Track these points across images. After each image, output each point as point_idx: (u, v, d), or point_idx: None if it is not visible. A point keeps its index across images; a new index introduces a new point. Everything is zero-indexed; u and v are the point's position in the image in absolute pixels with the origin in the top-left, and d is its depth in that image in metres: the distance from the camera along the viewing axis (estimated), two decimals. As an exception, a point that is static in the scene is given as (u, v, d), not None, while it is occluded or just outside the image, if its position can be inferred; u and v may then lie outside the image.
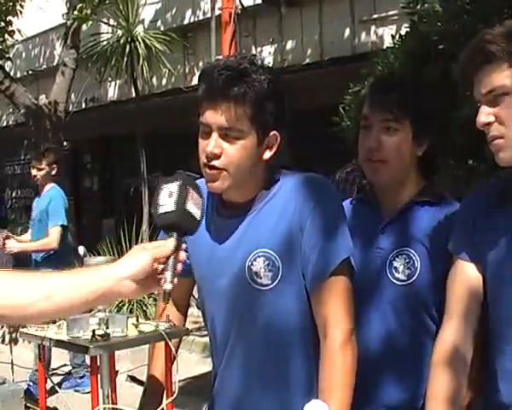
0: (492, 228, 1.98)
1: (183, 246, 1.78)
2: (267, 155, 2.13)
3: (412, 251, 2.26)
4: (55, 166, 7.04)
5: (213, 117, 2.05)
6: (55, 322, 2.78)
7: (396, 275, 2.27)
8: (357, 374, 2.06)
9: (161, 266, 1.73)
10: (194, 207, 1.79)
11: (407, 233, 2.31)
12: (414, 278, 2.24)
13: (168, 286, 1.72)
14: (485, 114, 1.90)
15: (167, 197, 1.78)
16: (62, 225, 6.76)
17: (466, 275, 2.02)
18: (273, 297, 2.11)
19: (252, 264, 2.12)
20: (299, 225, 2.10)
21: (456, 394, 1.94)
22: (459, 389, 1.95)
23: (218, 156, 2.06)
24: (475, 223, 2.03)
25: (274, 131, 2.12)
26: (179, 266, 1.75)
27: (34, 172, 7.03)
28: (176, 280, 1.73)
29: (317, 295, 2.10)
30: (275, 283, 2.11)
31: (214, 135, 2.06)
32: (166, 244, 1.75)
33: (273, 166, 2.19)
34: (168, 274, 1.72)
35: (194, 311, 7.26)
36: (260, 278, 2.11)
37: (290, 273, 2.11)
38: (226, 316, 2.19)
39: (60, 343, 2.81)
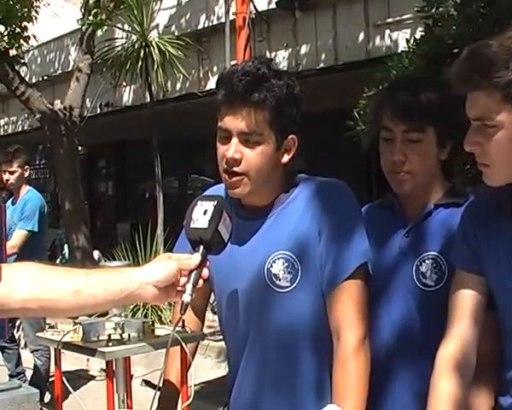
0: (492, 237, 1.95)
1: (208, 263, 1.81)
2: (285, 158, 2.15)
3: (439, 255, 2.23)
4: (27, 167, 6.74)
5: (233, 122, 2.06)
6: (75, 323, 2.79)
7: (423, 281, 2.23)
8: (372, 378, 2.06)
9: (183, 279, 1.77)
10: (224, 230, 1.86)
11: (433, 237, 2.28)
12: (442, 283, 2.20)
13: (187, 299, 1.76)
14: (470, 143, 1.82)
15: (201, 214, 1.86)
16: (30, 231, 6.40)
17: (468, 286, 1.99)
18: (291, 300, 2.12)
19: (271, 266, 2.13)
20: (317, 230, 2.11)
21: (461, 399, 1.91)
22: (464, 395, 1.93)
23: (238, 162, 2.08)
24: (476, 233, 2.00)
25: (292, 135, 2.14)
26: (200, 282, 1.79)
27: (6, 176, 6.60)
28: (194, 295, 1.77)
29: (331, 299, 2.11)
30: (293, 285, 2.12)
31: (234, 140, 2.07)
32: (192, 258, 1.79)
33: (291, 170, 2.20)
34: (189, 287, 1.77)
35: (208, 315, 7.24)
36: (279, 280, 2.12)
37: (308, 276, 2.12)
38: (244, 319, 2.19)
39: (75, 348, 2.82)
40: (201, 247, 1.82)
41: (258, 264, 2.15)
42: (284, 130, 2.11)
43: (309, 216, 2.13)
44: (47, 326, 3.06)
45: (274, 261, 2.13)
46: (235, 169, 2.09)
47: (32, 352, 6.63)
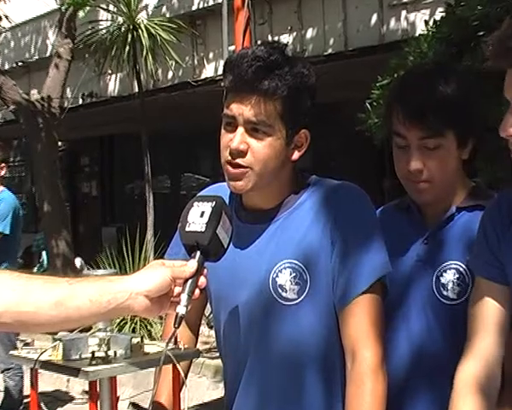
0: None
1: (205, 271, 1.81)
2: (296, 155, 2.15)
3: (462, 265, 2.21)
4: (3, 165, 6.83)
5: (240, 110, 2.07)
6: (54, 340, 2.78)
7: (444, 293, 2.22)
8: (388, 401, 2.05)
9: (178, 288, 1.76)
10: (223, 233, 1.85)
11: (455, 244, 2.26)
12: (465, 295, 2.17)
13: (182, 311, 1.75)
14: (507, 128, 1.79)
15: (198, 216, 1.84)
16: (1, 233, 6.50)
17: (490, 296, 1.98)
18: (298, 313, 2.12)
19: (277, 275, 2.12)
20: (329, 239, 2.11)
21: None
22: None
23: (243, 153, 2.08)
24: (499, 236, 1.99)
25: (304, 130, 2.14)
26: (197, 292, 1.78)
27: None
28: (190, 306, 1.75)
29: (346, 314, 2.10)
30: (301, 297, 2.11)
31: (240, 129, 2.08)
32: (188, 265, 1.78)
33: (301, 170, 2.19)
34: (184, 298, 1.75)
35: (204, 330, 7.26)
36: (286, 291, 2.12)
37: (318, 288, 2.11)
38: (244, 334, 2.19)
39: (55, 367, 2.80)
40: (198, 252, 1.81)
41: (262, 273, 2.14)
42: (296, 123, 2.11)
43: (320, 223, 2.13)
44: (22, 344, 3.05)
45: (280, 271, 2.12)
46: (239, 161, 2.08)
47: (1, 372, 6.63)
